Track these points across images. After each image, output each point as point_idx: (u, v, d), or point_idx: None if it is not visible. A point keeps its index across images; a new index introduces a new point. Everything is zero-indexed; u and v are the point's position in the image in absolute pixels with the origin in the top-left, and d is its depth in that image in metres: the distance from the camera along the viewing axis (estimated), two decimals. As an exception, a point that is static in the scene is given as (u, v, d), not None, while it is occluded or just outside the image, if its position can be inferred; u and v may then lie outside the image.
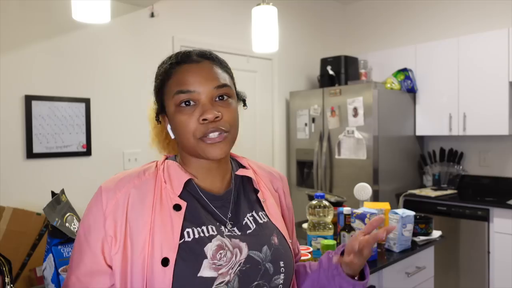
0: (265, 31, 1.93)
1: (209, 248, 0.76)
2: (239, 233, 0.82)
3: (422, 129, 3.56)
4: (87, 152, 2.55)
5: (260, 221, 0.87)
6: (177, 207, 0.79)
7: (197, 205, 0.82)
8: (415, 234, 1.96)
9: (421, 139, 3.74)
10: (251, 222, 0.85)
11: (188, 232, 0.77)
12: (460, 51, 3.28)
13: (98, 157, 2.60)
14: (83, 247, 0.78)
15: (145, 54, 2.82)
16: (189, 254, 0.75)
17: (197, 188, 0.84)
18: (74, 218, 1.15)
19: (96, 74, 2.60)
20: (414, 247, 1.88)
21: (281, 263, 0.83)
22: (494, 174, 3.42)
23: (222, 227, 0.82)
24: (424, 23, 3.77)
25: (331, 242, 1.51)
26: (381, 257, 1.75)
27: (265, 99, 3.63)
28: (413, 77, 3.51)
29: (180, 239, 0.76)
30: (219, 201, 0.85)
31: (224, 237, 0.79)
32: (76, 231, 1.09)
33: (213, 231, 0.79)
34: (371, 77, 3.79)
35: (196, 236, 0.77)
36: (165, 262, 0.73)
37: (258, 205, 0.89)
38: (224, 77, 0.82)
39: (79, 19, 1.46)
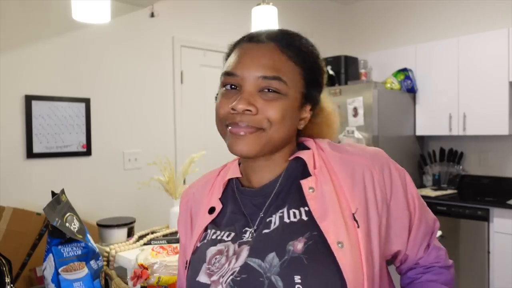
0: (265, 31, 1.93)
1: (210, 252, 0.71)
2: (255, 235, 0.69)
3: (422, 129, 3.56)
4: (87, 152, 2.55)
5: (287, 219, 0.67)
6: (211, 210, 0.76)
7: (232, 207, 0.75)
8: (415, 234, 1.95)
9: (421, 139, 3.74)
10: (275, 221, 0.68)
11: (208, 234, 0.74)
12: (460, 51, 3.28)
13: (98, 157, 2.60)
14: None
15: (145, 54, 2.82)
16: (197, 256, 0.73)
17: (237, 185, 0.76)
18: (74, 218, 1.15)
19: (96, 74, 2.60)
20: (414, 247, 1.88)
21: (296, 278, 0.61)
22: (494, 174, 3.42)
23: (246, 234, 0.70)
24: (424, 23, 3.77)
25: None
26: (381, 257, 1.75)
27: (265, 99, 3.62)
28: (413, 77, 3.51)
29: (202, 241, 0.75)
30: (258, 196, 0.72)
31: (235, 243, 0.69)
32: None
33: (228, 237, 0.71)
34: (371, 77, 3.79)
35: (209, 238, 0.73)
36: (186, 264, 0.76)
37: (298, 197, 0.69)
38: (281, 68, 0.66)
39: (79, 19, 1.46)
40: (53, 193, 1.16)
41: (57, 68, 2.44)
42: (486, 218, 2.96)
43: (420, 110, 3.56)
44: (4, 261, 1.04)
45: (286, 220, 0.67)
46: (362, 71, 3.69)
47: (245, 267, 0.65)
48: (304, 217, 0.67)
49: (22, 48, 2.32)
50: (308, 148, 0.75)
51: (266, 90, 0.66)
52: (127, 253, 1.46)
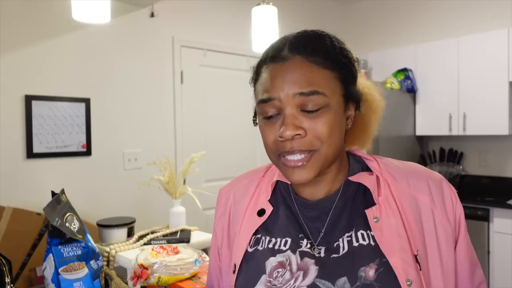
0: (265, 31, 1.93)
1: (270, 263, 0.68)
2: (322, 255, 0.66)
3: (422, 129, 3.56)
4: (87, 152, 2.55)
5: (355, 242, 0.65)
6: (260, 213, 0.73)
7: (285, 212, 0.72)
8: (415, 234, 1.95)
9: (421, 139, 3.74)
10: (344, 245, 0.66)
11: (262, 241, 0.71)
12: (460, 51, 3.28)
13: (98, 157, 2.60)
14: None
15: (145, 54, 2.82)
16: (252, 265, 0.69)
17: (292, 192, 0.74)
18: (74, 218, 1.15)
19: (96, 74, 2.60)
20: (414, 247, 1.88)
21: None
22: (494, 174, 3.42)
23: (303, 241, 0.68)
24: (424, 23, 3.78)
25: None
26: (381, 257, 1.74)
27: (265, 99, 3.62)
28: (413, 77, 3.51)
29: (253, 247, 0.71)
30: (312, 210, 0.70)
31: (295, 253, 0.67)
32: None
33: (285, 245, 0.68)
34: (371, 77, 3.79)
35: (265, 246, 0.70)
36: (234, 268, 0.71)
37: (364, 223, 0.67)
38: (315, 80, 0.63)
39: (79, 19, 1.46)
40: (53, 193, 1.16)
41: (57, 68, 2.44)
42: (486, 218, 2.96)
43: (420, 110, 3.56)
44: (4, 261, 1.04)
45: (355, 243, 0.65)
46: (362, 71, 3.68)
47: (313, 287, 0.64)
48: (372, 242, 0.65)
49: (22, 48, 2.32)
50: (367, 168, 0.72)
51: (307, 110, 0.63)
52: (127, 253, 1.46)
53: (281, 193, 0.75)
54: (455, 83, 3.32)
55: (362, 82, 0.77)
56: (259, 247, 0.70)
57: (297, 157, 0.63)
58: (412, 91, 3.51)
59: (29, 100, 2.32)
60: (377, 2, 4.11)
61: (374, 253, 0.64)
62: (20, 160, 2.31)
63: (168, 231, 1.69)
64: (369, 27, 4.17)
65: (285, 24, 3.45)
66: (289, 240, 0.69)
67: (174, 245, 1.33)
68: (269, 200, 0.74)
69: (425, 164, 3.67)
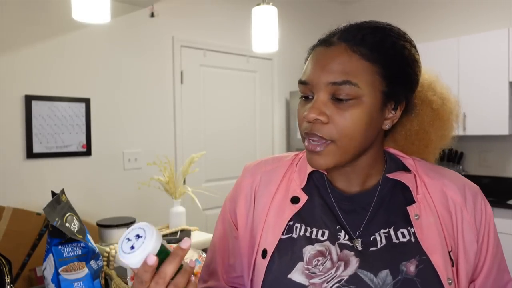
0: (265, 31, 1.93)
1: (308, 251, 0.66)
2: (359, 249, 0.66)
3: (422, 129, 3.56)
4: (87, 152, 2.55)
5: (395, 239, 0.66)
6: (295, 200, 0.71)
7: (320, 202, 0.71)
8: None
9: (421, 139, 3.74)
10: (381, 239, 0.66)
11: (295, 228, 0.69)
12: (460, 51, 3.28)
13: (98, 157, 2.60)
14: (221, 213, 0.82)
15: (145, 54, 2.82)
16: (287, 251, 0.68)
17: (327, 183, 0.72)
18: (74, 218, 1.15)
19: (96, 74, 2.60)
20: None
21: None
22: (494, 174, 3.42)
23: (341, 233, 0.67)
24: (424, 23, 3.77)
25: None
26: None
27: (265, 99, 3.63)
28: (413, 77, 3.51)
29: (287, 234, 0.69)
30: (348, 202, 0.70)
31: (334, 245, 0.66)
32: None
33: (322, 235, 0.67)
34: (371, 77, 3.78)
35: (301, 234, 0.68)
36: (264, 253, 0.69)
37: (404, 220, 0.67)
38: (351, 70, 0.62)
39: (79, 19, 1.46)
40: (53, 193, 1.16)
41: (57, 68, 2.44)
42: (486, 218, 2.96)
43: (420, 110, 3.55)
44: (4, 261, 1.04)
45: (394, 240, 0.66)
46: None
47: (355, 278, 0.63)
48: (413, 239, 0.66)
49: (22, 48, 2.32)
50: (406, 168, 0.72)
51: (339, 98, 0.62)
52: (127, 253, 1.45)
53: (315, 183, 0.74)
54: (455, 83, 3.32)
55: (439, 92, 0.77)
56: (294, 235, 0.69)
57: (314, 142, 0.64)
58: (412, 91, 3.51)
59: (29, 100, 2.32)
60: (377, 2, 4.11)
61: (414, 249, 0.64)
62: (20, 160, 2.31)
63: (168, 231, 1.69)
64: (369, 27, 4.17)
65: (285, 24, 3.44)
66: (327, 232, 0.68)
67: (174, 245, 1.33)
68: (302, 189, 0.73)
69: (425, 164, 3.67)
